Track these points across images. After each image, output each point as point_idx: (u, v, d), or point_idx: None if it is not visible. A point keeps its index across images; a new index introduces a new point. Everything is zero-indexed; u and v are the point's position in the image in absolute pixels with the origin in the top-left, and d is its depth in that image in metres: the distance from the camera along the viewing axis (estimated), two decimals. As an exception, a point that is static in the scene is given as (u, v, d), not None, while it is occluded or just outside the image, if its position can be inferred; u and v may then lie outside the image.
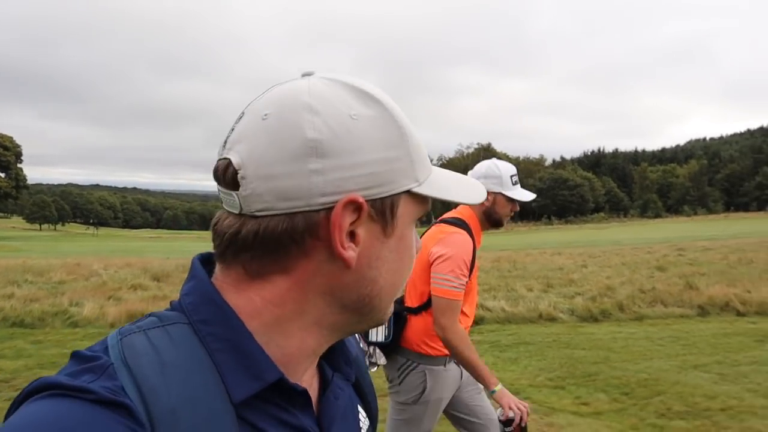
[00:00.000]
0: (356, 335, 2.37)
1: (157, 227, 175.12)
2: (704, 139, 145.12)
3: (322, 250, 0.53)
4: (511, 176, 2.35)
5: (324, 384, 0.64)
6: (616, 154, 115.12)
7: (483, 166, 2.41)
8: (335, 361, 0.65)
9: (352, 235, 0.53)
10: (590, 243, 26.95)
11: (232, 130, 0.55)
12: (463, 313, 2.30)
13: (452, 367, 2.36)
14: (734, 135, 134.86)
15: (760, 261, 13.13)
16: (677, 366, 5.62)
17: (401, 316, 2.34)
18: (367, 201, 0.52)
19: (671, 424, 4.18)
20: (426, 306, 2.28)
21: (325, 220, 0.52)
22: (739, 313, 8.09)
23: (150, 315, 0.55)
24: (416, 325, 2.30)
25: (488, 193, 2.29)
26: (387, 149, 0.53)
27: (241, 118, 0.55)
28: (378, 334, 2.31)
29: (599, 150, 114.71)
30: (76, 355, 0.50)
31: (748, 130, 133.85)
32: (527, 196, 2.39)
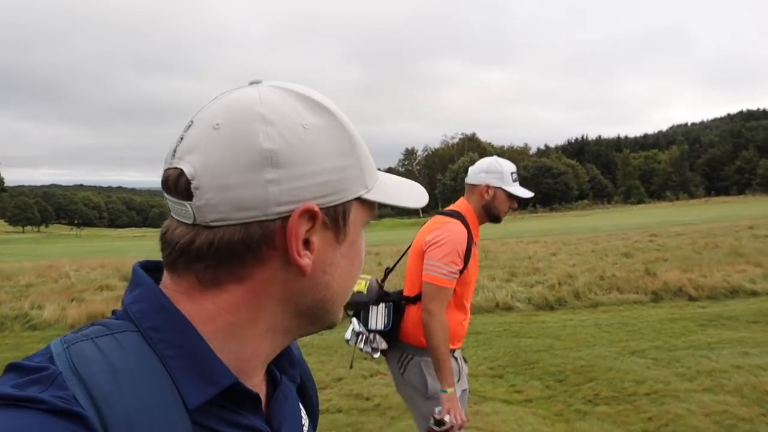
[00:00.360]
0: (357, 322, 2.46)
1: (144, 226, 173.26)
2: (686, 124, 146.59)
3: (278, 259, 0.54)
4: (512, 173, 2.41)
5: (272, 385, 0.65)
6: (599, 141, 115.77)
7: (485, 161, 2.47)
8: (281, 363, 0.66)
9: (306, 243, 0.55)
10: (568, 231, 27.15)
11: (181, 138, 0.55)
12: (462, 306, 2.36)
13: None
14: (715, 120, 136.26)
15: (725, 246, 13.34)
16: (616, 352, 5.76)
17: (399, 305, 2.39)
18: (321, 209, 0.54)
19: (595, 409, 4.31)
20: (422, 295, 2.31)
21: (281, 229, 0.53)
22: (692, 298, 8.27)
23: (93, 324, 0.54)
24: (413, 315, 2.33)
25: (489, 187, 2.38)
26: (339, 158, 0.55)
27: (190, 126, 0.55)
28: (378, 321, 2.37)
29: (583, 137, 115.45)
30: (15, 367, 0.48)
31: (728, 115, 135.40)
32: (526, 193, 2.45)
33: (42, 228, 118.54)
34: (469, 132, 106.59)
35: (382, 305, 2.40)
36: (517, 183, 2.44)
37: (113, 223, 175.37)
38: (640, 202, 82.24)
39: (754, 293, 8.37)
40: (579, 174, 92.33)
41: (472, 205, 2.42)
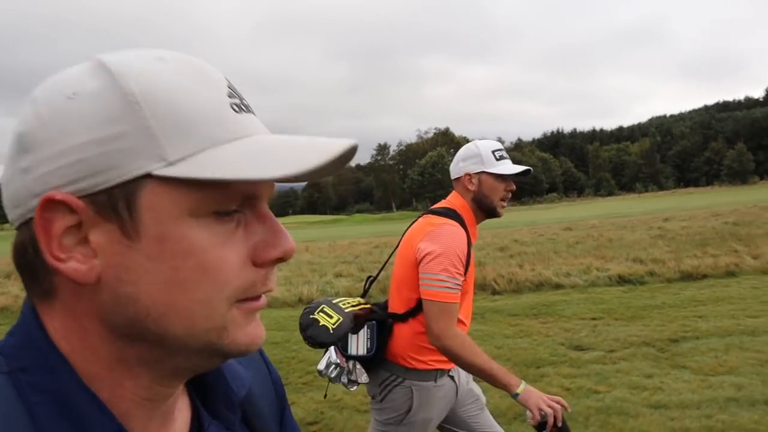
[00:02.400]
0: (333, 348, 2.04)
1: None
2: (665, 116, 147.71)
3: None
4: (494, 151, 2.05)
5: None
6: (574, 134, 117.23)
7: (462, 149, 2.16)
8: (212, 404, 0.55)
9: (85, 242, 0.42)
10: (511, 224, 27.77)
11: None
12: (459, 320, 1.98)
13: (445, 382, 2.05)
14: (692, 111, 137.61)
15: (626, 240, 13.62)
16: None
17: (385, 324, 2.04)
18: (82, 197, 0.41)
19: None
20: (414, 312, 1.99)
21: None
22: (495, 292, 8.81)
23: None
24: (403, 334, 2.00)
25: (470, 175, 2.04)
26: (102, 127, 0.41)
27: None
28: (359, 345, 2.02)
29: (558, 131, 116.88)
30: None
31: (705, 106, 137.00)
32: (515, 168, 2.05)
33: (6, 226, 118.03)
34: (442, 126, 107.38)
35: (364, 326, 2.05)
36: (506, 161, 2.06)
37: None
38: (610, 194, 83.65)
39: (558, 286, 8.99)
40: (552, 167, 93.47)
41: (466, 200, 2.07)
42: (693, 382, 4.22)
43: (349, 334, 2.00)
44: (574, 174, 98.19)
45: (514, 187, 2.08)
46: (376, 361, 2.03)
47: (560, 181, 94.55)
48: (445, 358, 1.92)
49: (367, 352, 2.00)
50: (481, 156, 2.04)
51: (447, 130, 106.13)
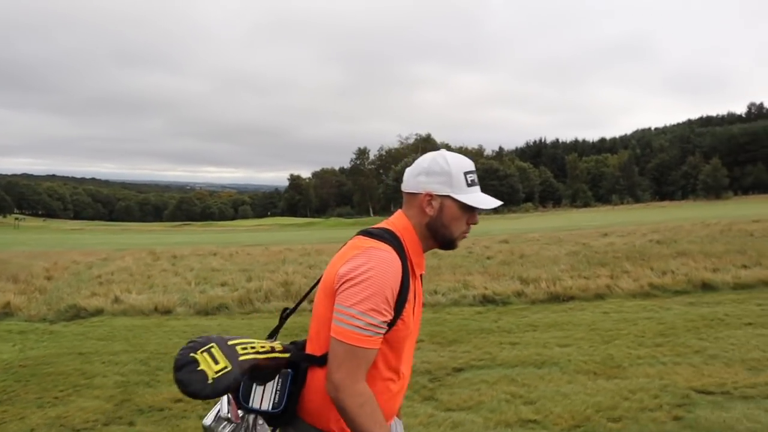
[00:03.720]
0: (227, 397, 1.49)
1: (109, 219, 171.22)
2: (649, 129, 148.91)
3: None
4: (466, 173, 1.63)
5: None
6: (556, 144, 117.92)
7: (426, 158, 1.67)
8: None
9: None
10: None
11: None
12: (391, 371, 1.61)
13: None
14: (674, 125, 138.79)
15: (540, 256, 13.40)
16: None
17: (299, 369, 1.60)
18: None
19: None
20: None
21: None
22: None
23: None
24: (320, 385, 1.54)
25: (431, 197, 1.62)
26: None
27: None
28: (263, 397, 1.58)
29: (541, 140, 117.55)
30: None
31: (688, 120, 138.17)
32: (490, 202, 1.64)
33: (0, 218, 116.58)
34: (424, 132, 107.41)
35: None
36: (477, 187, 1.66)
37: (78, 215, 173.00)
38: (585, 205, 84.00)
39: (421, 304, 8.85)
40: (530, 176, 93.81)
41: (411, 222, 1.65)
42: (420, 416, 4.06)
43: (254, 384, 1.59)
44: (553, 184, 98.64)
45: (477, 220, 1.68)
46: (286, 418, 1.59)
47: (538, 191, 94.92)
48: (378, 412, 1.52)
49: (274, 408, 1.56)
50: (451, 176, 1.61)
51: (428, 136, 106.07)
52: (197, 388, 1.38)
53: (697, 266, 9.87)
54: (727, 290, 8.41)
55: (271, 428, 1.60)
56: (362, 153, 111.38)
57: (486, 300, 8.50)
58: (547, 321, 7.04)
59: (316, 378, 1.56)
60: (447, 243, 1.66)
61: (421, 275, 1.68)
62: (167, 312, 8.51)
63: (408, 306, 1.56)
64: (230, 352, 1.46)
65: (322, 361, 1.55)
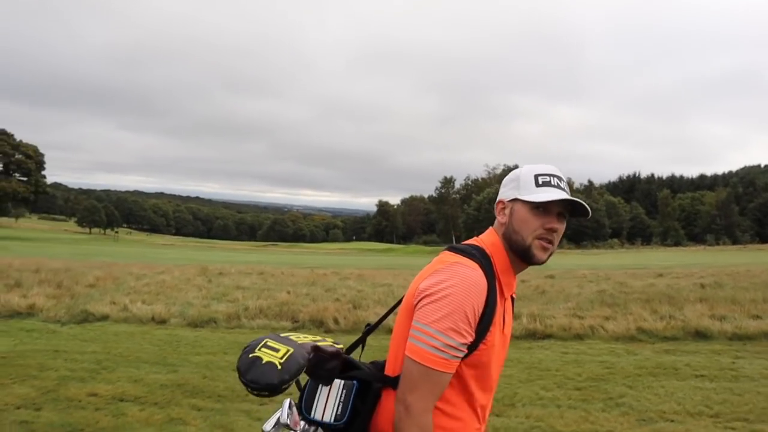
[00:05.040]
0: (289, 402, 1.45)
1: (207, 236, 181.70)
2: (758, 166, 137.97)
3: None
4: (537, 175, 1.54)
5: None
6: (651, 179, 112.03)
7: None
8: None
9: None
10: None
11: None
12: (472, 403, 1.50)
13: None
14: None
15: (566, 293, 13.16)
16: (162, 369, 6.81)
17: (371, 388, 1.52)
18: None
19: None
20: None
21: None
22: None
23: None
24: (392, 406, 1.46)
25: (504, 203, 1.58)
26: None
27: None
28: (325, 407, 1.51)
29: (634, 175, 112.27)
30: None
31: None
32: (554, 194, 1.50)
33: (108, 231, 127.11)
34: (512, 163, 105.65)
35: (337, 383, 1.53)
36: (550, 188, 1.52)
37: (179, 231, 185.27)
38: (676, 244, 78.82)
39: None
40: (620, 212, 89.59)
41: (498, 237, 1.58)
42: None
43: (319, 387, 1.53)
44: (644, 221, 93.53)
45: (555, 225, 1.51)
46: None
47: (627, 227, 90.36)
48: None
49: (336, 420, 1.48)
50: (519, 179, 1.56)
51: (516, 166, 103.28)
52: (271, 378, 1.34)
53: (706, 313, 9.28)
54: (722, 339, 7.88)
55: None
56: (448, 182, 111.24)
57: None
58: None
59: (389, 400, 1.48)
60: (522, 252, 1.52)
61: (512, 297, 1.61)
62: (162, 322, 9.15)
63: (493, 329, 1.45)
64: (286, 341, 1.46)
65: (395, 382, 1.45)
